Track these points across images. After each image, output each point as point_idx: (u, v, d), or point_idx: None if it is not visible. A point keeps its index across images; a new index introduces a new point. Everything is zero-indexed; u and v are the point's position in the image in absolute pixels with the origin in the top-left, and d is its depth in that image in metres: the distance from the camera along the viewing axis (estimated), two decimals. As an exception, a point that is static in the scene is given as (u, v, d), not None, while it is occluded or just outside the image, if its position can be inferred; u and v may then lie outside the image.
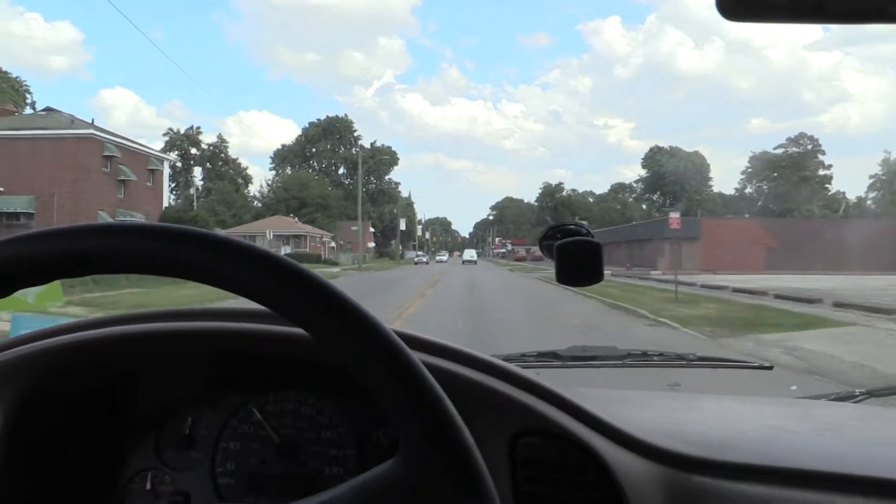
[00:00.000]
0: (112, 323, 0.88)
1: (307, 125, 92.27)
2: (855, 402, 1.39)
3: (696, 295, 18.10)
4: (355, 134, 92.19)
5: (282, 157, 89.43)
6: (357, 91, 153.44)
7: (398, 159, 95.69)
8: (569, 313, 14.05)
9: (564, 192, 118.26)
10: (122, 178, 39.46)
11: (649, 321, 12.58)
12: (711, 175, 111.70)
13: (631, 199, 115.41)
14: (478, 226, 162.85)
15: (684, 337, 10.43)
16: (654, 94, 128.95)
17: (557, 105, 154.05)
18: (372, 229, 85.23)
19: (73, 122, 38.44)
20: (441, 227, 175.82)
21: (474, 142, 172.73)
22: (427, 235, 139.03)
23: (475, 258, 69.75)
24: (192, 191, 70.84)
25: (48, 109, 41.46)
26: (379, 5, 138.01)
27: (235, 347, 0.86)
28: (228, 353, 0.90)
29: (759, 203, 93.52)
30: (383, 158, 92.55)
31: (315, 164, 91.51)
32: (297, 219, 62.28)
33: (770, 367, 1.77)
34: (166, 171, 43.16)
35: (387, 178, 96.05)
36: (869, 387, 1.47)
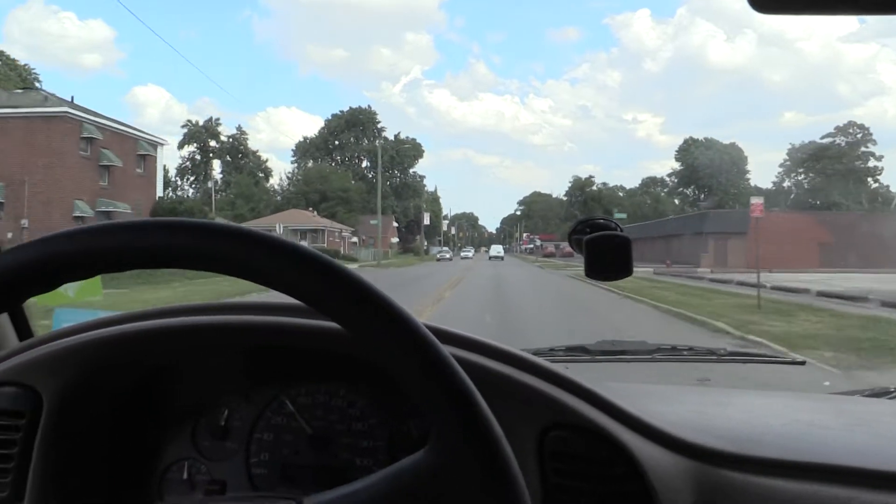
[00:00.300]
0: (150, 317, 0.90)
1: (329, 117, 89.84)
2: (890, 399, 1.34)
3: (780, 301, 14.78)
4: (379, 125, 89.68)
5: (304, 150, 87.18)
6: (385, 87, 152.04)
7: (423, 152, 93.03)
8: (620, 325, 11.22)
9: (595, 186, 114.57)
10: (106, 163, 34.23)
11: (734, 338, 9.63)
12: (748, 168, 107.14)
13: (663, 194, 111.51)
14: (505, 221, 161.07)
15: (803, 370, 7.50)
16: (684, 88, 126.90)
17: (586, 100, 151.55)
18: (395, 224, 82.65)
19: (46, 99, 33.63)
20: (468, 222, 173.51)
21: (502, 137, 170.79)
22: (453, 231, 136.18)
23: (502, 254, 68.59)
24: (209, 184, 68.71)
25: (26, 88, 37.48)
26: (407, 0, 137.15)
27: (270, 341, 0.88)
28: (262, 347, 0.92)
29: (793, 196, 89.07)
30: (406, 149, 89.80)
31: (338, 156, 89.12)
32: (315, 212, 59.82)
33: (803, 363, 1.74)
34: (161, 157, 37.49)
35: (411, 171, 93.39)
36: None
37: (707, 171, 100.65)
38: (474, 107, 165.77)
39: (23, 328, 1.24)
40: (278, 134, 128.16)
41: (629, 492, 0.78)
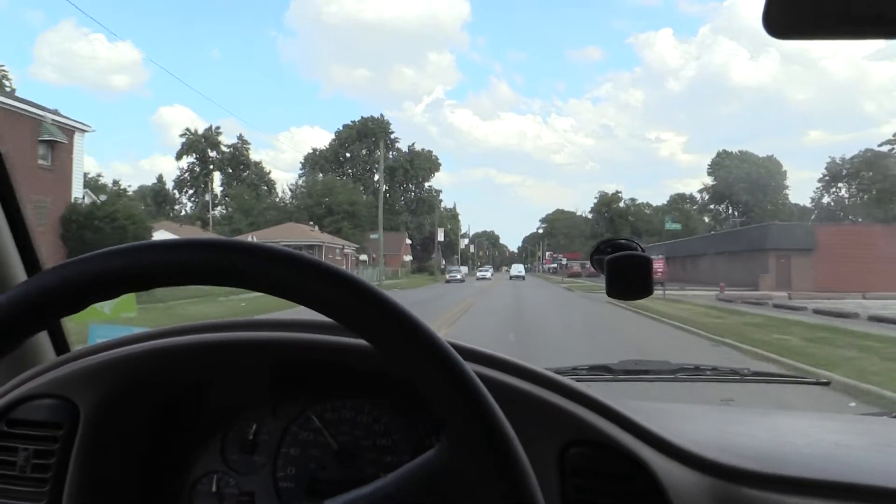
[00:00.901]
0: (182, 332, 0.92)
1: (340, 128, 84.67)
2: None
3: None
4: (392, 136, 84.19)
5: (313, 163, 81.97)
6: (407, 106, 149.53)
7: (439, 165, 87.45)
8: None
9: (622, 203, 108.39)
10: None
11: None
12: (787, 183, 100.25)
13: (694, 210, 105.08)
14: (526, 240, 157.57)
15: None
16: (707, 106, 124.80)
17: (608, 119, 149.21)
18: (409, 241, 76.98)
19: None
20: (488, 240, 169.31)
21: (524, 156, 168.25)
22: (472, 249, 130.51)
23: (523, 273, 66.35)
24: (207, 196, 63.50)
25: None
26: (430, 21, 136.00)
27: (297, 356, 0.91)
28: (290, 362, 0.94)
29: (824, 211, 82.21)
30: (420, 162, 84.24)
31: (349, 169, 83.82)
32: (316, 227, 54.28)
33: (827, 383, 1.89)
34: (82, 148, 27.09)
35: (427, 185, 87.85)
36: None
37: (742, 185, 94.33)
38: (496, 126, 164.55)
39: (60, 343, 1.26)
40: (300, 153, 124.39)
41: None
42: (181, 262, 0.55)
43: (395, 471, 0.58)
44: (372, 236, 42.90)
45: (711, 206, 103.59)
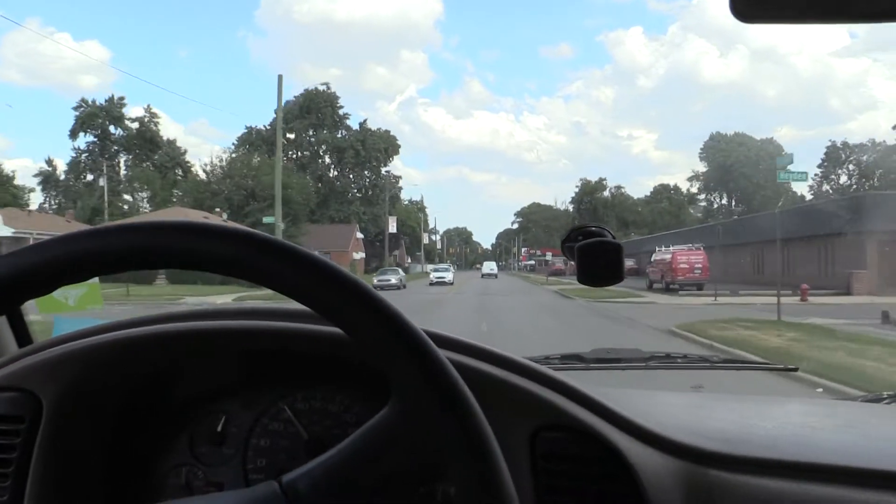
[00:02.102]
0: (149, 322, 0.91)
1: (284, 103, 71.89)
2: (883, 404, 1.36)
3: None
4: (341, 111, 71.62)
5: (248, 143, 69.00)
6: (380, 105, 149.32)
7: (398, 146, 75.23)
8: None
9: (606, 192, 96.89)
10: None
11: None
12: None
13: (684, 197, 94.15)
14: (501, 236, 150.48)
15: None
16: (678, 104, 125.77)
17: (580, 116, 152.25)
18: (360, 235, 64.46)
19: None
20: (460, 237, 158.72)
21: (497, 154, 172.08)
22: (441, 245, 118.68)
23: (495, 271, 62.56)
24: (101, 181, 50.29)
25: None
26: (402, 20, 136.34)
27: (267, 345, 0.90)
28: (260, 352, 0.93)
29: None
30: (374, 142, 71.74)
31: (292, 153, 71.02)
32: (225, 215, 41.55)
33: (795, 369, 1.76)
34: None
35: (384, 170, 75.44)
36: None
37: (743, 170, 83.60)
38: (469, 124, 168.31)
39: (22, 335, 1.25)
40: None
41: (620, 492, 0.79)
42: (128, 246, 0.54)
43: (350, 436, 0.58)
44: (265, 220, 30.24)
45: (702, 196, 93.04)
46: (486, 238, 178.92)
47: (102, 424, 0.89)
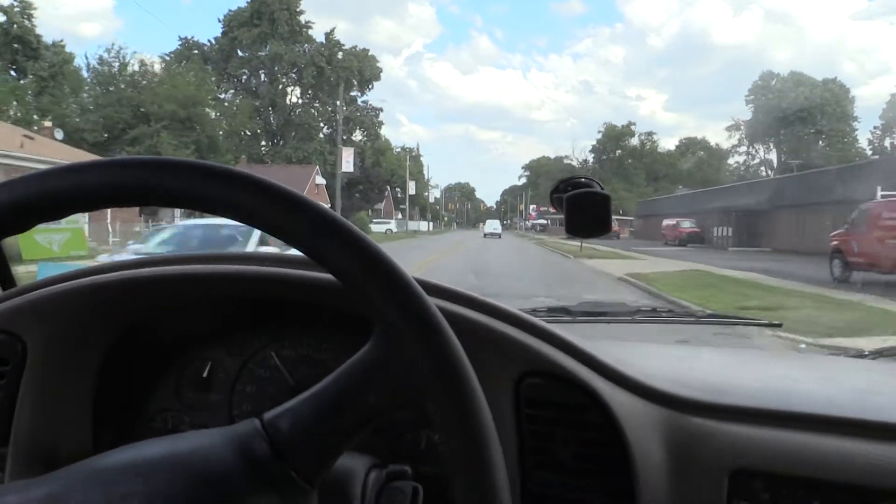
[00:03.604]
0: (136, 266, 0.91)
1: (229, 11, 55.46)
2: (866, 359, 1.38)
3: None
4: (301, 18, 55.11)
5: (186, 59, 52.94)
6: (386, 59, 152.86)
7: (379, 70, 59.23)
8: None
9: (635, 138, 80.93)
10: None
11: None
12: (857, 114, 73.15)
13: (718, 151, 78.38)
14: (506, 193, 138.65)
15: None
16: (689, 64, 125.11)
17: (588, 75, 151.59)
18: (321, 180, 48.97)
19: None
20: (461, 193, 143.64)
21: (504, 112, 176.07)
22: (432, 198, 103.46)
23: (499, 230, 59.76)
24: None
25: None
26: None
27: (255, 291, 0.89)
28: (248, 298, 0.93)
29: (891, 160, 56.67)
30: (347, 61, 55.64)
31: (242, 72, 55.07)
32: (60, 132, 26.13)
33: (779, 325, 1.76)
34: None
35: (361, 100, 59.56)
36: (880, 347, 1.44)
37: (801, 114, 67.89)
38: (476, 81, 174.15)
39: (5, 278, 1.23)
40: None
41: (602, 438, 0.80)
42: (108, 182, 0.52)
43: (332, 372, 0.57)
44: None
45: (743, 149, 77.42)
46: (490, 197, 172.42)
47: (87, 367, 0.89)
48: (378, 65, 58.69)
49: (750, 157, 78.26)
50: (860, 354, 1.42)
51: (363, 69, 56.38)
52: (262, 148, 55.18)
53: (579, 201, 1.06)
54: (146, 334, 0.94)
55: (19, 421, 0.83)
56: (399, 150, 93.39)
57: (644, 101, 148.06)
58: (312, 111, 55.71)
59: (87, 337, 0.88)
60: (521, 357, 0.83)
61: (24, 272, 1.11)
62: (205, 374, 0.97)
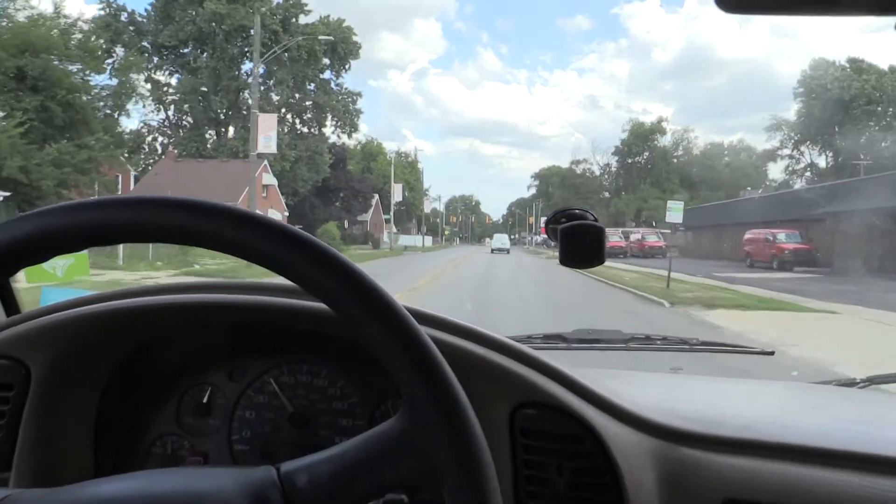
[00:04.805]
0: (138, 294, 0.92)
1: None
2: (857, 388, 1.39)
3: None
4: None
5: (116, 33, 40.91)
6: (392, 75, 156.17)
7: (358, 47, 47.15)
8: None
9: (668, 136, 68.65)
10: None
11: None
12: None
13: (753, 158, 66.05)
14: (513, 206, 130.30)
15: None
16: (694, 78, 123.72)
17: (594, 90, 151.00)
18: (271, 179, 36.89)
19: None
20: (465, 206, 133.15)
21: (509, 127, 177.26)
22: (428, 208, 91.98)
23: (507, 245, 55.98)
24: None
25: None
26: None
27: (254, 319, 0.90)
28: (247, 325, 0.95)
29: None
30: (311, 27, 43.50)
31: (182, 45, 43.08)
32: None
33: (771, 353, 1.82)
34: None
35: (335, 82, 47.49)
36: (871, 375, 1.44)
37: (868, 107, 55.89)
38: (481, 96, 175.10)
39: (10, 304, 1.24)
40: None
41: (596, 468, 0.81)
42: (123, 221, 0.54)
43: (353, 438, 0.58)
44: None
45: (785, 152, 65.24)
46: (495, 211, 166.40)
47: (89, 393, 0.90)
48: (355, 39, 46.59)
49: (794, 160, 66.01)
50: (851, 382, 1.42)
51: (334, 43, 44.23)
52: (208, 139, 43.10)
53: (574, 233, 1.07)
54: (147, 360, 0.97)
55: (22, 445, 0.84)
56: (393, 154, 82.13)
57: (650, 115, 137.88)
58: (271, 93, 43.53)
59: (89, 363, 0.89)
60: (516, 388, 0.84)
61: (27, 297, 1.21)
62: (205, 400, 0.99)
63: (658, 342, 1.70)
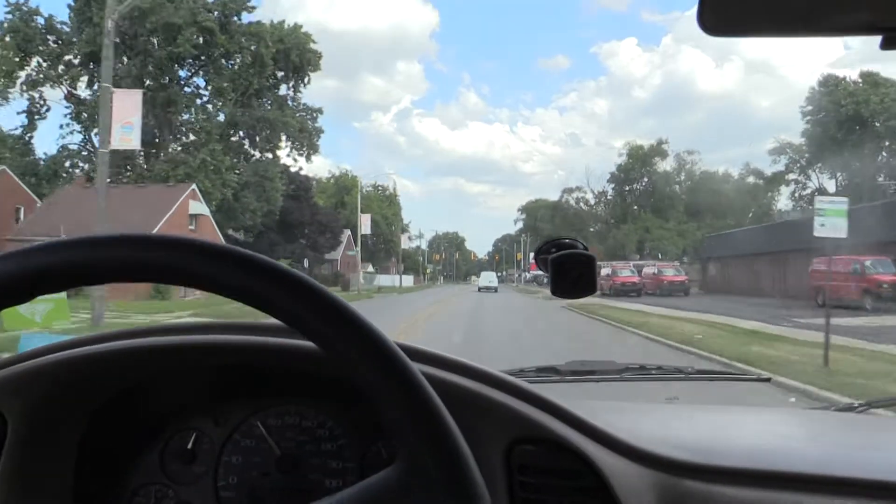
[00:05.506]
0: (118, 337, 0.90)
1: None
2: (855, 413, 1.40)
3: None
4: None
5: (25, 40, 33.94)
6: (375, 116, 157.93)
7: (318, 57, 40.33)
8: None
9: (670, 159, 62.06)
10: None
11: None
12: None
13: (761, 183, 59.80)
14: (499, 242, 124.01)
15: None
16: (675, 114, 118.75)
17: (575, 128, 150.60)
18: (201, 207, 29.69)
19: None
20: (450, 243, 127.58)
21: (492, 165, 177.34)
22: (410, 245, 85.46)
23: (495, 283, 53.23)
24: None
25: None
26: (399, 30, 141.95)
27: (238, 360, 0.88)
28: (232, 367, 0.92)
29: None
30: (249, 27, 36.64)
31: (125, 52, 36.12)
32: None
33: (768, 380, 1.81)
34: None
35: (290, 99, 40.61)
36: (869, 399, 1.43)
37: (890, 123, 49.94)
38: (464, 135, 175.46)
39: None
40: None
41: (596, 502, 0.80)
42: (112, 258, 0.53)
43: (349, 488, 0.57)
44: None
45: (791, 177, 58.98)
46: (481, 248, 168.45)
47: (69, 441, 0.88)
48: (314, 47, 39.89)
49: (800, 185, 59.93)
50: (850, 407, 1.42)
51: (288, 49, 37.48)
52: (140, 162, 35.95)
53: (565, 262, 1.06)
54: (129, 405, 0.93)
55: (1, 493, 0.81)
56: (369, 189, 75.42)
57: (622, 157, 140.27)
58: (208, 105, 36.55)
59: (68, 410, 0.86)
60: (512, 424, 0.82)
61: (6, 344, 1.01)
62: (189, 445, 0.95)
63: (653, 372, 1.67)
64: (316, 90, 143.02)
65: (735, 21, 0.51)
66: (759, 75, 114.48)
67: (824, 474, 0.78)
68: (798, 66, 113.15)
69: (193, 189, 30.03)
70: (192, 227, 29.52)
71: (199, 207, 29.92)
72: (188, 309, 19.62)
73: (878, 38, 0.49)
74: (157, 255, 0.53)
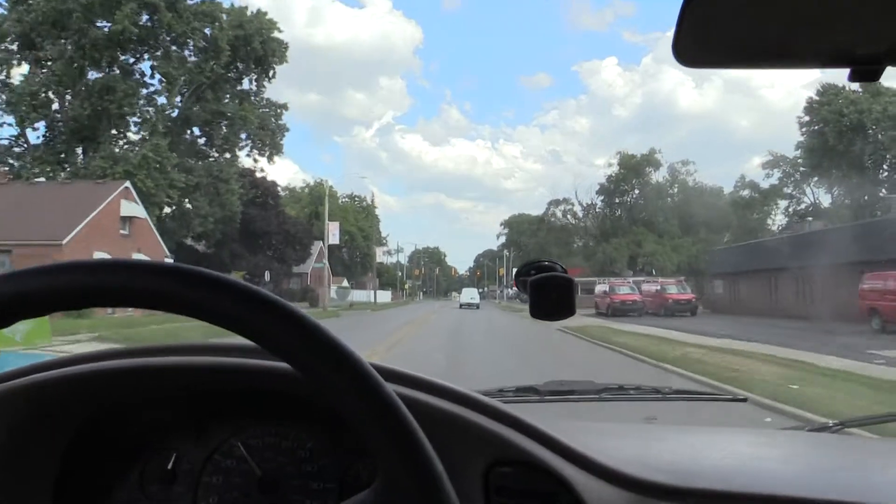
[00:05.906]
0: (98, 358, 0.90)
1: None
2: (829, 433, 1.42)
3: None
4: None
5: None
6: (357, 131, 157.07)
7: (285, 48, 36.49)
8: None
9: (659, 169, 58.60)
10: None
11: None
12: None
13: (756, 197, 56.62)
14: (481, 257, 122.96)
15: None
16: (655, 133, 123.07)
17: (556, 145, 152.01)
18: (136, 209, 25.42)
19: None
20: (430, 258, 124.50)
21: (474, 182, 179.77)
22: (388, 259, 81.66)
23: (477, 300, 53.82)
24: None
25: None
26: (382, 46, 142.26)
27: (217, 382, 0.89)
28: (212, 388, 0.92)
29: None
30: (201, 7, 32.73)
31: (61, 37, 31.85)
32: None
33: (744, 400, 1.80)
34: None
35: (253, 94, 36.58)
36: (843, 418, 1.47)
37: (892, 132, 47.02)
38: (447, 152, 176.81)
39: None
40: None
41: None
42: (91, 284, 0.53)
43: None
44: None
45: (787, 191, 55.92)
46: (462, 264, 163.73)
47: (49, 462, 0.88)
48: (280, 36, 35.97)
49: (794, 201, 56.93)
50: (824, 427, 1.45)
51: (250, 36, 33.50)
52: (78, 157, 31.68)
53: (544, 284, 1.07)
54: (109, 426, 0.93)
55: None
56: (345, 199, 71.53)
57: (612, 168, 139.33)
58: (154, 96, 32.40)
59: (48, 430, 0.86)
60: (489, 446, 0.82)
61: None
62: (169, 466, 0.95)
63: (631, 392, 1.68)
64: (298, 104, 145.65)
65: (709, 54, 0.53)
66: (736, 95, 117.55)
67: (798, 496, 0.79)
68: (775, 87, 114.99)
69: (127, 188, 26.07)
70: (124, 232, 25.46)
71: (133, 209, 25.98)
72: (101, 329, 16.01)
73: (846, 71, 0.51)
74: (116, 281, 0.53)
